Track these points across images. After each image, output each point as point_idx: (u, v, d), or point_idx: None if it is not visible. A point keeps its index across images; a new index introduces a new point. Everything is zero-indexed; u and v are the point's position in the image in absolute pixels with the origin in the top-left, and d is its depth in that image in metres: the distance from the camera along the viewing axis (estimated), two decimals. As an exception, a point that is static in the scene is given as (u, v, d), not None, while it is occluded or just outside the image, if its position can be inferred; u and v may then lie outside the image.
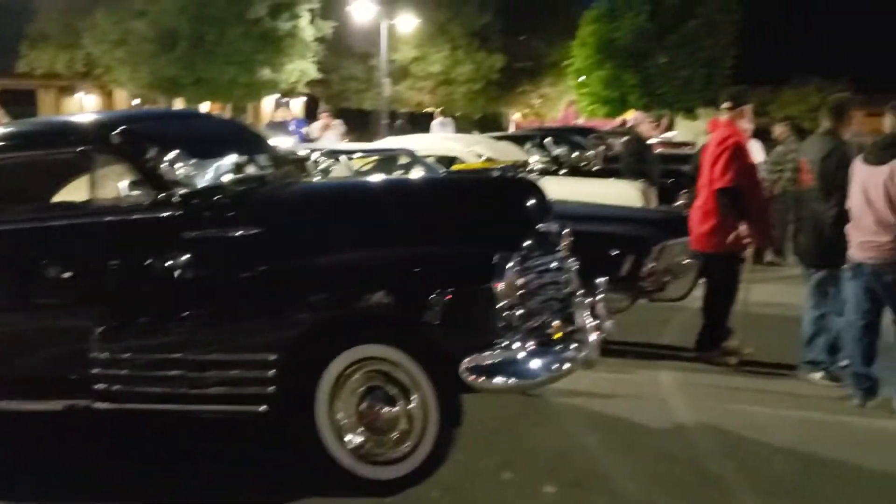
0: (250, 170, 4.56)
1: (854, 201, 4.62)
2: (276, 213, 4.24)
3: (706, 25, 27.72)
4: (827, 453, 4.21)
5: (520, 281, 3.58)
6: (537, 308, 3.82)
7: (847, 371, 4.97)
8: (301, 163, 5.33)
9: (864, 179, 4.56)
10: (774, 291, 7.97)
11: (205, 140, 4.65)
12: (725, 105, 5.77)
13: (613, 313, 5.03)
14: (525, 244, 3.84)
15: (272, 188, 4.53)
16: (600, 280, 4.51)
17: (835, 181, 4.87)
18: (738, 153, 5.48)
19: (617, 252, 5.81)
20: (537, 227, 4.03)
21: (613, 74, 28.61)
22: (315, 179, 5.49)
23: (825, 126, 5.14)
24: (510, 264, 3.50)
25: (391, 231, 3.94)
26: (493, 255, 3.51)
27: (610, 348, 5.19)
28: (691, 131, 25.71)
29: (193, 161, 4.14)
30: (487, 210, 4.05)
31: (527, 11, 37.42)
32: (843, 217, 4.82)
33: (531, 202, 4.11)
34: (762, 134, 10.85)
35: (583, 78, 30.53)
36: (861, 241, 4.60)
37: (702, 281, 6.16)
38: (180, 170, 4.02)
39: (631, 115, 31.59)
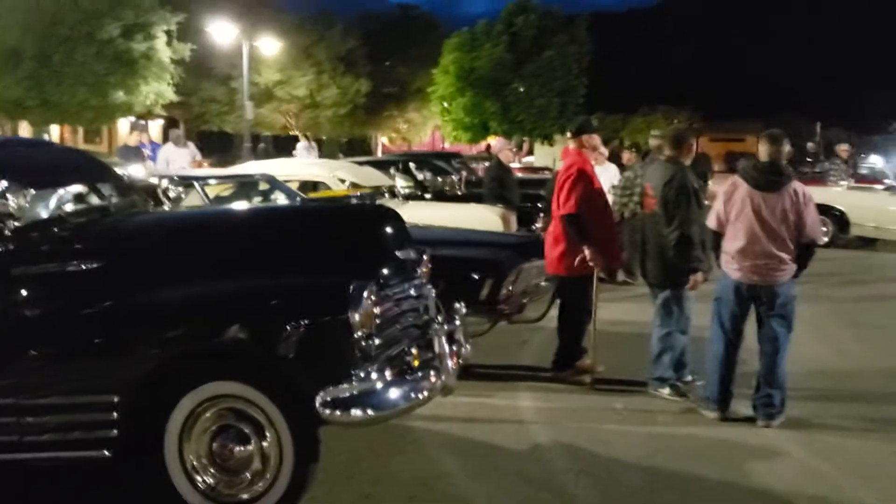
0: (93, 200, 4.33)
1: (743, 227, 4.76)
2: (119, 245, 4.04)
3: (560, 57, 29.02)
4: (675, 466, 4.42)
5: (377, 310, 3.56)
6: (395, 336, 3.82)
7: (701, 386, 5.23)
8: (149, 191, 5.11)
9: (758, 205, 4.74)
10: (626, 310, 8.36)
11: (43, 169, 4.36)
12: (570, 135, 6.11)
13: (473, 336, 5.14)
14: (382, 272, 3.83)
15: (116, 219, 4.32)
16: (459, 305, 4.55)
17: (677, 206, 5.17)
18: (580, 180, 5.73)
19: (476, 276, 5.90)
20: (395, 254, 4.04)
21: (475, 101, 29.39)
22: (164, 208, 5.28)
23: (666, 154, 5.47)
24: (366, 293, 3.47)
25: (241, 262, 3.82)
26: (349, 284, 3.47)
27: (471, 371, 5.29)
28: (549, 156, 26.74)
29: (30, 192, 3.89)
30: (343, 238, 4.01)
31: (392, 38, 37.90)
32: (684, 240, 5.11)
33: (388, 229, 4.11)
34: (617, 158, 11.42)
35: (446, 104, 31.15)
36: (753, 264, 4.77)
37: (557, 302, 6.39)
38: (14, 201, 3.76)
39: (493, 141, 32.55)
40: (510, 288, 5.94)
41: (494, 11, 32.50)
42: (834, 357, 6.69)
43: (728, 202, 4.84)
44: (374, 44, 35.91)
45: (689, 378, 5.62)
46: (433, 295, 4.28)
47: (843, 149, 15.78)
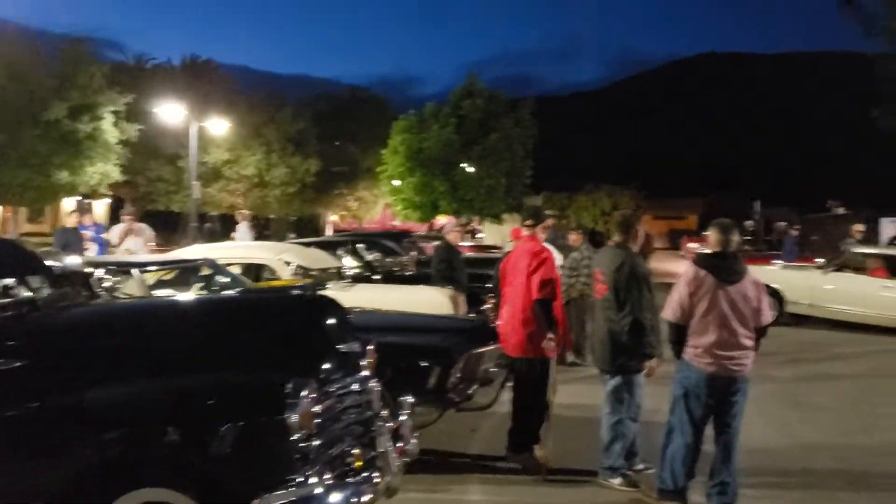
0: (20, 292, 4.12)
1: (716, 322, 4.69)
2: (44, 341, 3.84)
3: (505, 139, 29.70)
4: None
5: (317, 409, 3.41)
6: (336, 436, 3.66)
7: (656, 476, 5.10)
8: (82, 281, 4.91)
9: (730, 299, 4.69)
10: (577, 392, 8.26)
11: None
12: (528, 223, 6.16)
13: (421, 426, 4.98)
14: (323, 367, 3.69)
15: (43, 313, 4.12)
16: (405, 398, 4.41)
17: (628, 291, 5.16)
18: (551, 266, 5.78)
19: (424, 364, 5.77)
20: (337, 347, 3.91)
21: (424, 181, 29.74)
22: (99, 300, 5.06)
23: (616, 239, 5.48)
24: (305, 392, 3.32)
25: (173, 358, 3.65)
26: (287, 382, 3.32)
27: (421, 460, 5.10)
28: (498, 235, 26.99)
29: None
30: (281, 332, 3.86)
31: (342, 119, 38.43)
32: (637, 326, 5.09)
33: (330, 321, 3.99)
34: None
35: (396, 183, 31.46)
36: (729, 356, 4.69)
37: (509, 385, 6.29)
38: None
39: (444, 219, 32.76)
40: (459, 375, 5.83)
41: (442, 94, 33.35)
42: (781, 439, 6.67)
43: (694, 295, 4.76)
44: (325, 124, 36.35)
45: (640, 467, 5.52)
46: (378, 389, 4.13)
47: (781, 226, 16.23)
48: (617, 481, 5.36)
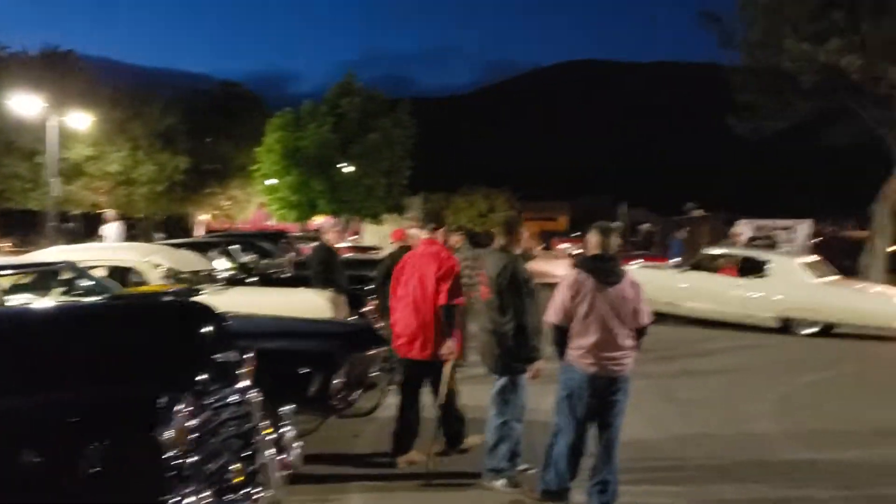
0: None
1: (597, 323, 4.74)
2: None
3: (385, 139, 29.55)
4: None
5: (192, 423, 3.19)
6: (214, 451, 3.44)
7: (541, 478, 5.11)
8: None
9: (609, 300, 4.76)
10: (461, 393, 8.27)
11: None
12: (431, 226, 6.35)
13: (302, 435, 4.80)
14: (199, 379, 3.47)
15: None
16: (286, 408, 4.23)
17: (510, 295, 5.18)
18: (457, 271, 5.88)
19: (305, 370, 5.59)
20: (213, 357, 3.69)
21: (301, 180, 29.16)
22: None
23: (499, 243, 5.48)
24: (180, 406, 3.11)
25: (29, 373, 3.34)
26: (160, 397, 3.09)
27: (303, 472, 4.91)
28: (377, 235, 26.82)
29: None
30: (152, 342, 3.62)
31: (214, 115, 37.15)
32: (521, 330, 5.12)
33: (205, 330, 3.77)
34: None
35: (271, 182, 30.69)
36: (610, 356, 4.76)
37: (391, 389, 6.21)
38: None
39: (321, 219, 32.27)
40: (342, 381, 5.67)
41: (318, 92, 32.81)
42: (657, 434, 6.89)
43: (575, 297, 4.81)
44: (196, 120, 35.04)
45: (523, 467, 5.55)
46: (257, 399, 3.93)
47: (645, 227, 17.04)
48: (500, 483, 5.36)
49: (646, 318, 4.93)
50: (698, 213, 38.59)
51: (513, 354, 5.27)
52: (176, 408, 3.09)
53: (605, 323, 4.76)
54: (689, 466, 6.03)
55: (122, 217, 19.96)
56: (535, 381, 5.44)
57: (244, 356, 4.02)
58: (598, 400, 4.85)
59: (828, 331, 12.91)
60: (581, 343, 4.81)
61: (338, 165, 29.14)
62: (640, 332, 4.92)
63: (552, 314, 4.90)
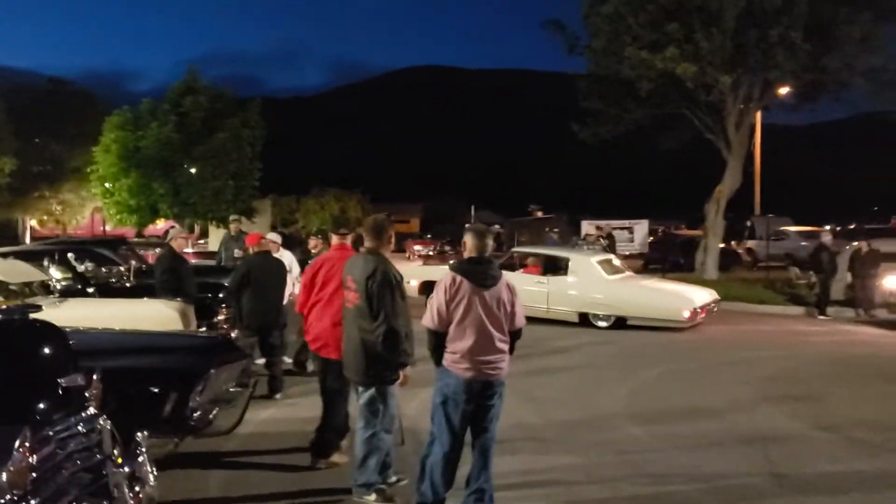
0: None
1: (473, 326, 4.62)
2: None
3: (233, 139, 28.37)
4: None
5: (34, 459, 2.78)
6: (60, 489, 3.02)
7: (415, 490, 4.93)
8: None
9: (485, 303, 4.64)
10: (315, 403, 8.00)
11: None
12: (342, 231, 6.26)
13: (155, 459, 4.39)
14: (40, 408, 3.05)
15: None
16: (140, 433, 3.82)
17: (381, 299, 4.94)
18: None
19: (157, 389, 5.15)
20: (56, 382, 3.26)
21: (141, 183, 27.50)
22: None
23: (368, 245, 5.24)
24: (17, 442, 2.69)
25: None
26: (-7, 432, 2.67)
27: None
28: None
29: None
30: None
31: (43, 113, 34.50)
32: (392, 334, 4.89)
33: (48, 351, 3.33)
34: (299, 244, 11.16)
35: (108, 185, 28.76)
36: (486, 360, 4.64)
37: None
38: None
39: (162, 224, 30.61)
40: (198, 399, 5.27)
41: (159, 91, 31.04)
42: (521, 434, 6.89)
43: (452, 301, 4.67)
44: (22, 119, 32.37)
45: (394, 479, 5.37)
46: (107, 427, 3.52)
47: (494, 229, 17.38)
48: (372, 497, 5.14)
49: (521, 321, 4.87)
50: (539, 213, 39.99)
51: (383, 362, 5.05)
52: (14, 444, 2.67)
53: (482, 326, 4.66)
54: (556, 469, 6.05)
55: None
56: (401, 387, 5.27)
57: (90, 378, 3.60)
58: (474, 405, 4.75)
59: (622, 323, 13.74)
60: (457, 347, 4.68)
61: (182, 167, 27.70)
62: (514, 336, 4.86)
63: (429, 318, 4.75)
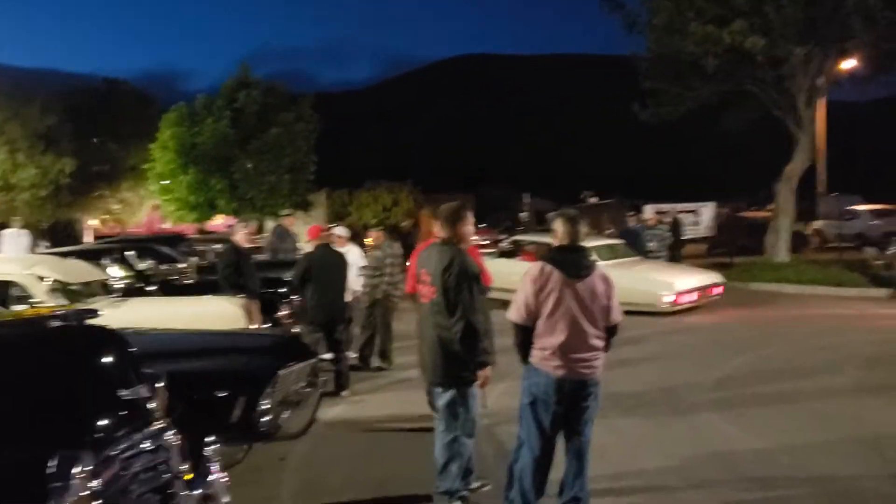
0: None
1: (565, 320, 4.24)
2: None
3: (287, 133, 28.32)
4: None
5: (95, 485, 2.46)
6: (126, 514, 2.70)
7: (503, 493, 4.55)
8: None
9: (578, 296, 4.25)
10: (392, 402, 7.68)
11: None
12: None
13: (226, 468, 4.08)
14: (101, 425, 2.72)
15: None
16: (211, 447, 3.50)
17: (458, 293, 4.54)
18: None
19: (225, 394, 4.86)
20: (118, 395, 2.94)
21: (199, 179, 27.66)
22: None
23: (444, 235, 4.83)
24: (77, 468, 2.37)
25: None
26: (49, 458, 2.35)
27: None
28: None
29: None
30: (35, 384, 2.82)
31: (99, 114, 34.99)
32: (471, 331, 4.49)
33: (106, 360, 3.01)
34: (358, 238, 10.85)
35: (166, 182, 29.00)
36: (579, 358, 4.26)
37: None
38: None
39: (221, 220, 30.75)
40: (268, 402, 4.96)
41: (213, 89, 31.09)
42: (615, 440, 6.44)
43: (541, 293, 4.28)
44: (81, 120, 32.85)
45: (476, 485, 4.98)
46: (176, 442, 3.19)
47: (552, 216, 16.95)
48: (455, 506, 4.77)
49: (618, 316, 4.42)
50: (594, 200, 39.22)
51: (461, 361, 4.64)
52: (73, 471, 2.35)
53: (576, 321, 4.23)
54: (649, 471, 5.60)
55: (25, 225, 18.28)
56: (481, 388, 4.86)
57: (154, 387, 3.27)
58: (566, 406, 4.32)
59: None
60: (547, 343, 4.26)
61: (239, 162, 27.75)
62: (610, 332, 4.42)
63: (515, 312, 4.34)
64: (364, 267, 9.60)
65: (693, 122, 24.16)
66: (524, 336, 4.35)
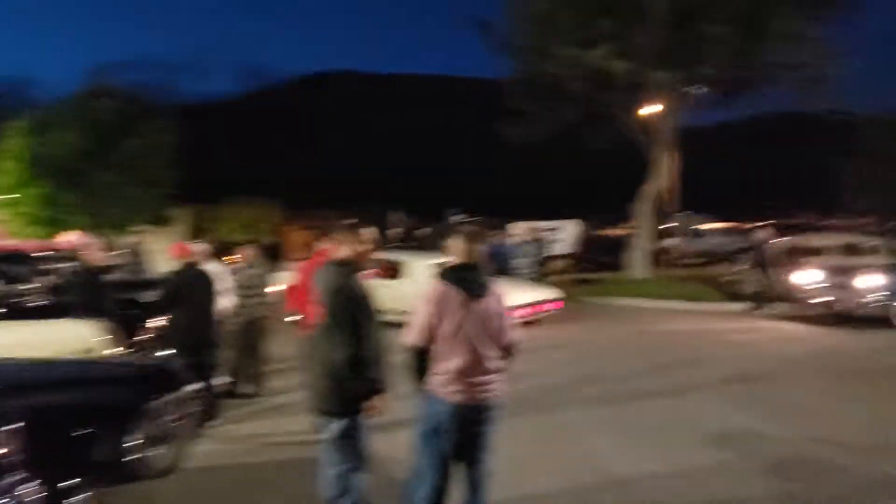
0: None
1: (464, 343, 4.08)
2: None
3: (147, 146, 26.95)
4: None
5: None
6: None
7: None
8: None
9: (477, 316, 4.10)
10: (271, 428, 7.30)
11: None
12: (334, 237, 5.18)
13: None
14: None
15: None
16: (73, 490, 3.09)
17: (347, 318, 4.28)
18: None
19: (84, 431, 4.37)
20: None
21: (50, 192, 25.75)
22: None
23: (340, 256, 4.56)
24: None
25: None
26: None
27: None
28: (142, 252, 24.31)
29: None
30: None
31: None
32: (358, 358, 4.25)
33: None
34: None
35: (13, 196, 26.79)
36: (479, 382, 4.10)
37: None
38: None
39: (72, 236, 28.74)
40: (133, 438, 4.51)
41: (69, 97, 29.02)
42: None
43: (438, 314, 4.11)
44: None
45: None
46: (36, 495, 2.79)
47: (425, 231, 16.89)
48: (348, 542, 4.50)
49: (514, 334, 4.31)
50: (459, 217, 39.73)
51: (351, 390, 4.38)
52: None
53: (475, 343, 4.09)
54: (540, 496, 5.53)
55: None
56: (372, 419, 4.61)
57: (8, 428, 2.85)
58: (465, 434, 4.16)
59: None
60: (444, 367, 4.10)
61: (94, 174, 26.04)
62: (508, 351, 4.30)
63: (411, 335, 4.15)
64: (240, 286, 9.10)
65: (558, 142, 24.87)
66: (420, 360, 4.16)
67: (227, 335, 9.19)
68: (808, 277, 14.86)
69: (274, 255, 18.88)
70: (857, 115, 25.92)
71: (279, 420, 7.59)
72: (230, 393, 8.71)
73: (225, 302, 8.97)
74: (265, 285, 9.06)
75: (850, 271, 14.20)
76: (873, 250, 16.58)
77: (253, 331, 8.98)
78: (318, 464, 4.67)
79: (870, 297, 13.43)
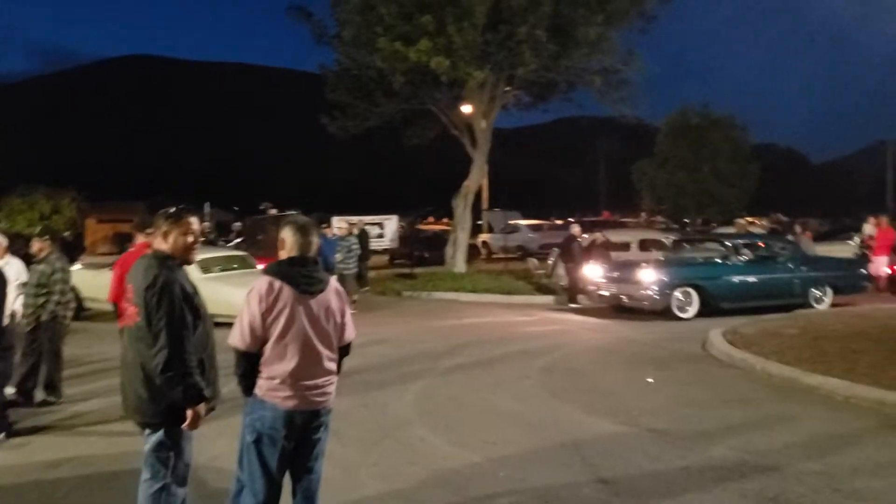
0: None
1: (297, 343, 3.72)
2: None
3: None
4: None
5: None
6: None
7: None
8: None
9: (312, 314, 3.76)
10: (66, 443, 6.54)
11: None
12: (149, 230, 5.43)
13: None
14: None
15: None
16: None
17: (162, 317, 3.81)
18: None
19: None
20: None
21: None
22: None
23: (157, 248, 4.05)
24: None
25: None
26: None
27: None
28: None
29: None
30: None
31: None
32: (176, 363, 3.79)
33: None
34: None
35: None
36: (313, 385, 3.77)
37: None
38: None
39: None
40: None
41: None
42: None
43: (269, 313, 3.72)
44: None
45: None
46: None
47: (237, 226, 16.25)
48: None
49: (352, 333, 4.04)
50: (274, 212, 38.69)
51: (169, 398, 3.92)
52: None
53: (307, 343, 3.77)
54: (372, 497, 5.31)
55: None
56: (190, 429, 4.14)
57: None
58: (295, 442, 3.84)
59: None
60: (276, 371, 3.74)
61: None
62: (343, 352, 4.03)
63: (239, 337, 3.74)
64: (25, 284, 8.13)
65: (380, 136, 24.77)
66: (248, 364, 3.79)
67: (17, 338, 8.22)
68: (598, 272, 15.81)
69: (72, 251, 17.34)
70: (644, 119, 27.76)
71: (81, 431, 6.87)
72: (23, 402, 7.80)
73: (16, 301, 8.01)
74: (62, 282, 8.17)
75: (634, 266, 15.23)
76: (664, 246, 17.93)
77: (48, 333, 8.08)
78: (132, 478, 4.16)
79: (651, 290, 14.33)
